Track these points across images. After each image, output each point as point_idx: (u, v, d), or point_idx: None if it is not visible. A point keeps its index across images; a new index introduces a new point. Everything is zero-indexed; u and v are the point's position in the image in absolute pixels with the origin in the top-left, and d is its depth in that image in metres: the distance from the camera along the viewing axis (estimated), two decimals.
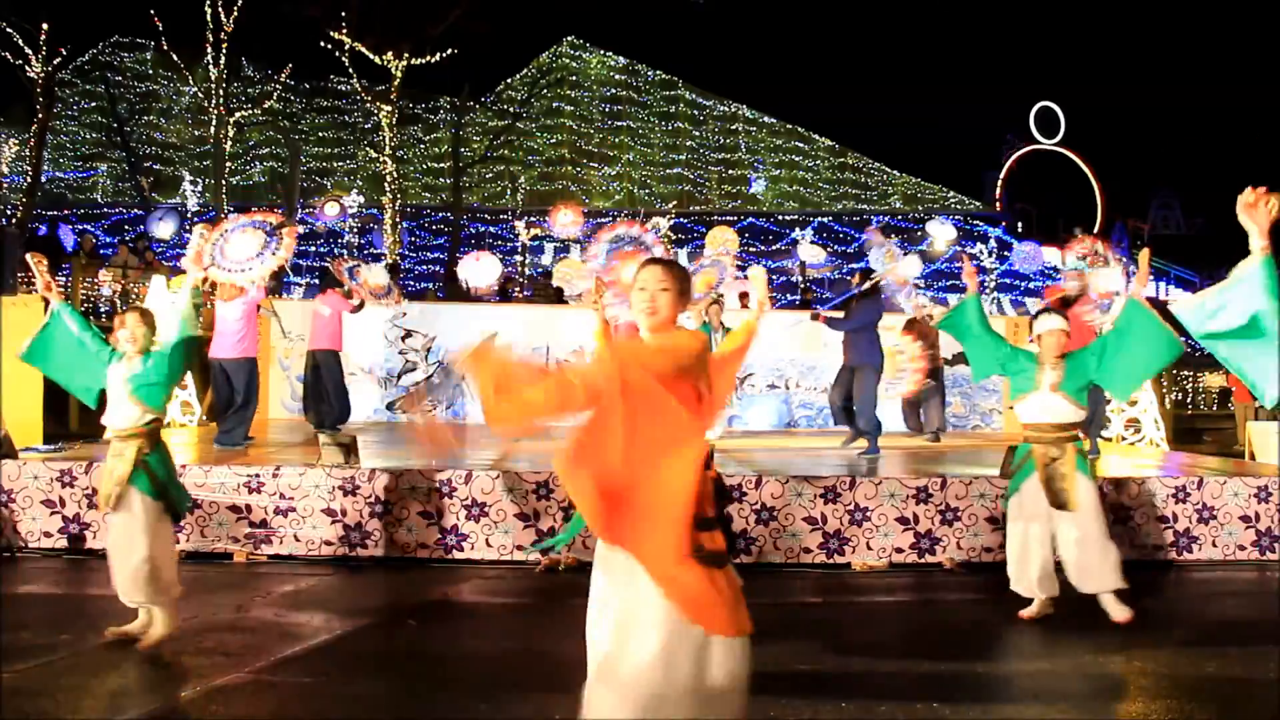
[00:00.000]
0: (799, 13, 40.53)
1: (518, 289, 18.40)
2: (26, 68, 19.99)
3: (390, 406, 12.08)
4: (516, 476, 6.49)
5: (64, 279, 14.21)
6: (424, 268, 28.77)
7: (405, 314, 12.32)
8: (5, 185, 24.94)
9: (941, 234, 29.16)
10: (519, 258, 26.92)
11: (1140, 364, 5.10)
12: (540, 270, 27.51)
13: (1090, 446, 9.08)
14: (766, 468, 7.15)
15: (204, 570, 6.12)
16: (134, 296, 14.53)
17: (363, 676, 4.29)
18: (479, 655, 4.69)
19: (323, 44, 21.79)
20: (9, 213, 22.73)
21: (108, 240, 25.95)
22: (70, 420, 11.04)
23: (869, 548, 6.53)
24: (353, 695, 4.07)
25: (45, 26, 19.84)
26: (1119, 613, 5.07)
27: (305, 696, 4.06)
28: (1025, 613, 5.24)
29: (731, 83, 34.93)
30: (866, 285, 8.67)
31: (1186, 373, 20.41)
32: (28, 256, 4.99)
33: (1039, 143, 31.82)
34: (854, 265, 26.48)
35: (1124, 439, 10.58)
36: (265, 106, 25.94)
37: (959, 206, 32.55)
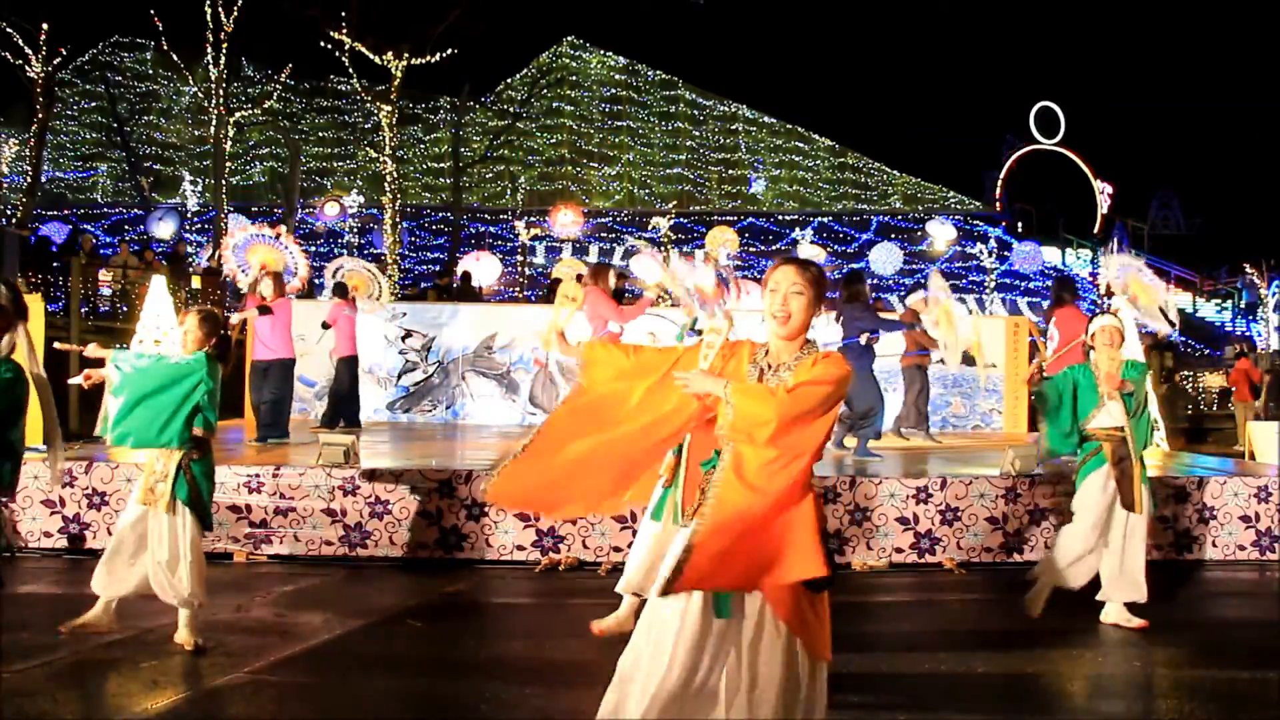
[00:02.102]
0: (799, 13, 40.52)
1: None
2: (26, 68, 20.00)
3: (390, 406, 12.09)
4: None
5: (64, 279, 14.24)
6: (424, 268, 28.77)
7: (405, 314, 12.33)
8: (5, 185, 24.95)
9: (941, 234, 29.21)
10: (519, 257, 26.93)
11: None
12: (538, 270, 27.55)
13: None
14: None
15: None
16: (134, 297, 14.54)
17: (363, 676, 4.29)
18: (479, 655, 4.68)
19: (323, 44, 21.79)
20: (9, 213, 22.73)
21: (108, 240, 25.97)
22: (70, 420, 11.04)
23: (869, 548, 6.52)
24: (353, 695, 4.07)
25: (45, 26, 19.86)
26: (1134, 621, 5.07)
27: (305, 696, 4.06)
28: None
29: (731, 83, 34.87)
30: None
31: (1187, 373, 20.41)
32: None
33: (1039, 143, 31.82)
34: (854, 265, 26.54)
35: None
36: (265, 106, 25.93)
37: (959, 206, 32.55)
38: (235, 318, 8.86)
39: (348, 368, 10.44)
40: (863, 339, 8.36)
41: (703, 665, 2.67)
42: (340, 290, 10.43)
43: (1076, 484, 5.29)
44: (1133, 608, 5.10)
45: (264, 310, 8.79)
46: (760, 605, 2.69)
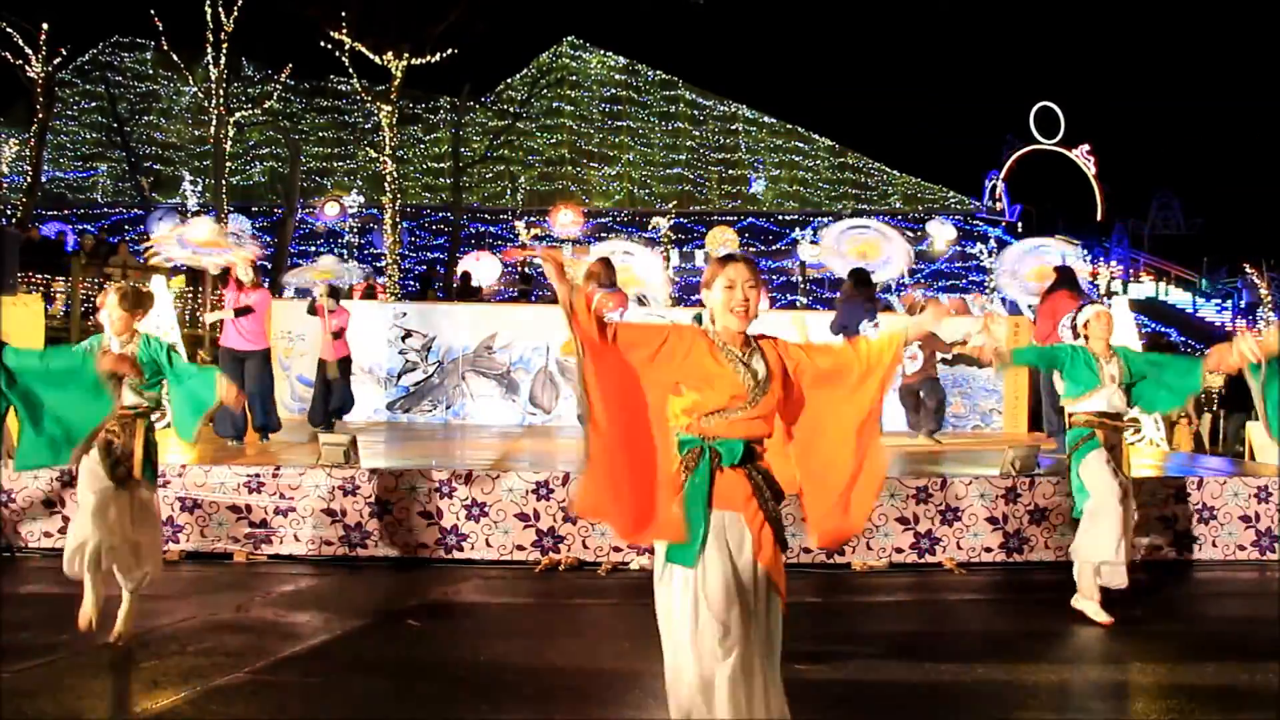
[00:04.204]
0: (799, 13, 40.52)
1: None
2: (26, 68, 19.98)
3: (390, 406, 12.09)
4: (516, 476, 6.50)
5: (64, 279, 14.24)
6: (424, 268, 28.76)
7: (405, 314, 12.33)
8: (5, 185, 24.94)
9: (941, 234, 29.20)
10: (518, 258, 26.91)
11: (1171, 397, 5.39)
12: (537, 270, 27.52)
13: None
14: None
15: (204, 570, 6.12)
16: None
17: (363, 676, 4.29)
18: (479, 656, 4.68)
19: (323, 44, 21.76)
20: (9, 213, 22.73)
21: (108, 240, 25.95)
22: None
23: (869, 548, 6.52)
24: (353, 695, 4.07)
25: (45, 26, 19.83)
26: (1103, 616, 5.08)
27: (305, 696, 4.06)
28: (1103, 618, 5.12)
29: (731, 83, 34.89)
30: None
31: None
32: None
33: (1039, 143, 31.82)
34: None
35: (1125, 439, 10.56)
36: (265, 106, 25.90)
37: (959, 206, 32.54)
38: (210, 317, 8.83)
39: (349, 367, 10.47)
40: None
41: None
42: (334, 293, 10.41)
43: (1074, 469, 5.22)
44: (1108, 595, 5.12)
45: (242, 311, 8.76)
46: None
